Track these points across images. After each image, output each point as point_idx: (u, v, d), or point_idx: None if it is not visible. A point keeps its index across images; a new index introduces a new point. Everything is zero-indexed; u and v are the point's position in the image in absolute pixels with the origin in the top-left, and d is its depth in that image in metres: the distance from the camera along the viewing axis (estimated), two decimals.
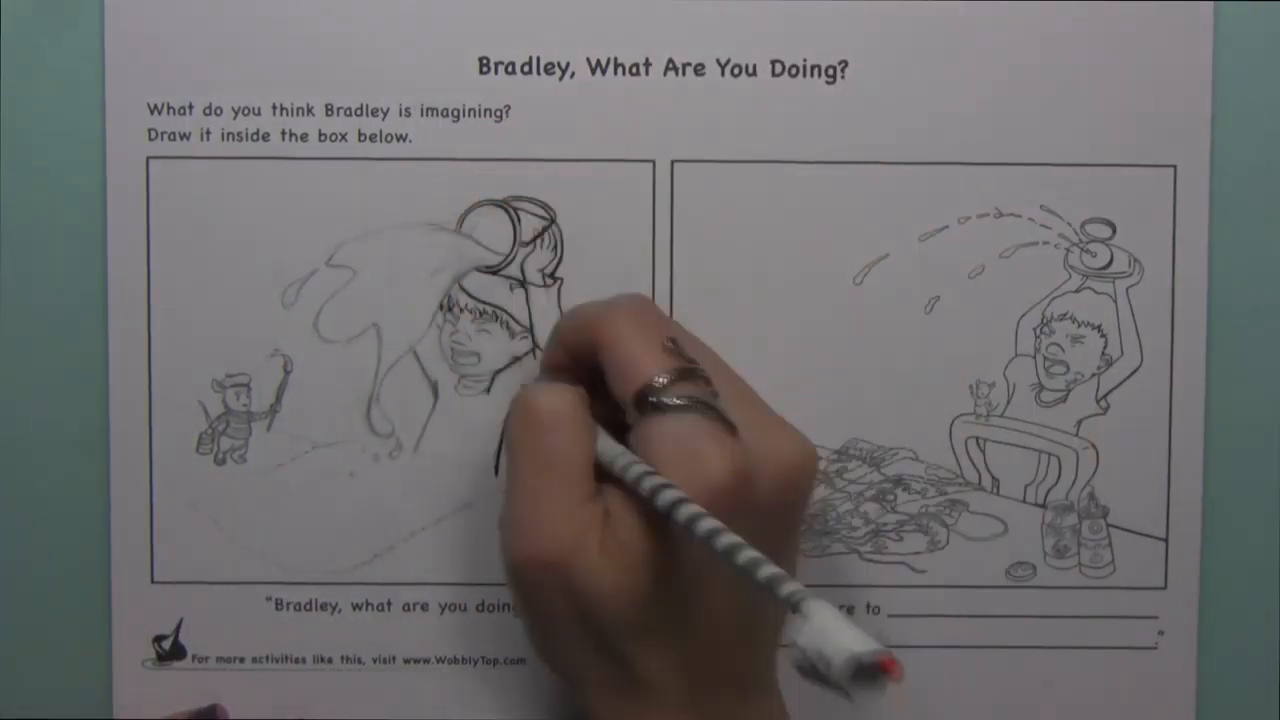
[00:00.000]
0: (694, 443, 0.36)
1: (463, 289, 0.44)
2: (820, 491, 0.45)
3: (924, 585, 0.45)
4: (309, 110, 0.44)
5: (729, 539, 0.33)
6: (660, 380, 0.37)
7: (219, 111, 0.43)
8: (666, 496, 0.35)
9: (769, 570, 0.32)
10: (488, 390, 0.44)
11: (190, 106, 0.43)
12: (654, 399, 0.37)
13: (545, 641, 0.39)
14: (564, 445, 0.38)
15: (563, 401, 0.38)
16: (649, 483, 0.36)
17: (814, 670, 0.30)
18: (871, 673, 0.30)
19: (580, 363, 0.40)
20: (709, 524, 0.34)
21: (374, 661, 0.45)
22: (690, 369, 0.38)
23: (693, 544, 0.34)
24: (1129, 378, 0.45)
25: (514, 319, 0.44)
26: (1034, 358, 0.44)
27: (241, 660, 0.45)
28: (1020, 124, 0.44)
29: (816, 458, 0.39)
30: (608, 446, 0.38)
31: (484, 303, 0.44)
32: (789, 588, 0.31)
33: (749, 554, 0.33)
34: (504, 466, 0.39)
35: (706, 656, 0.38)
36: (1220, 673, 0.45)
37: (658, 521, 0.36)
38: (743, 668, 0.39)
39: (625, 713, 0.38)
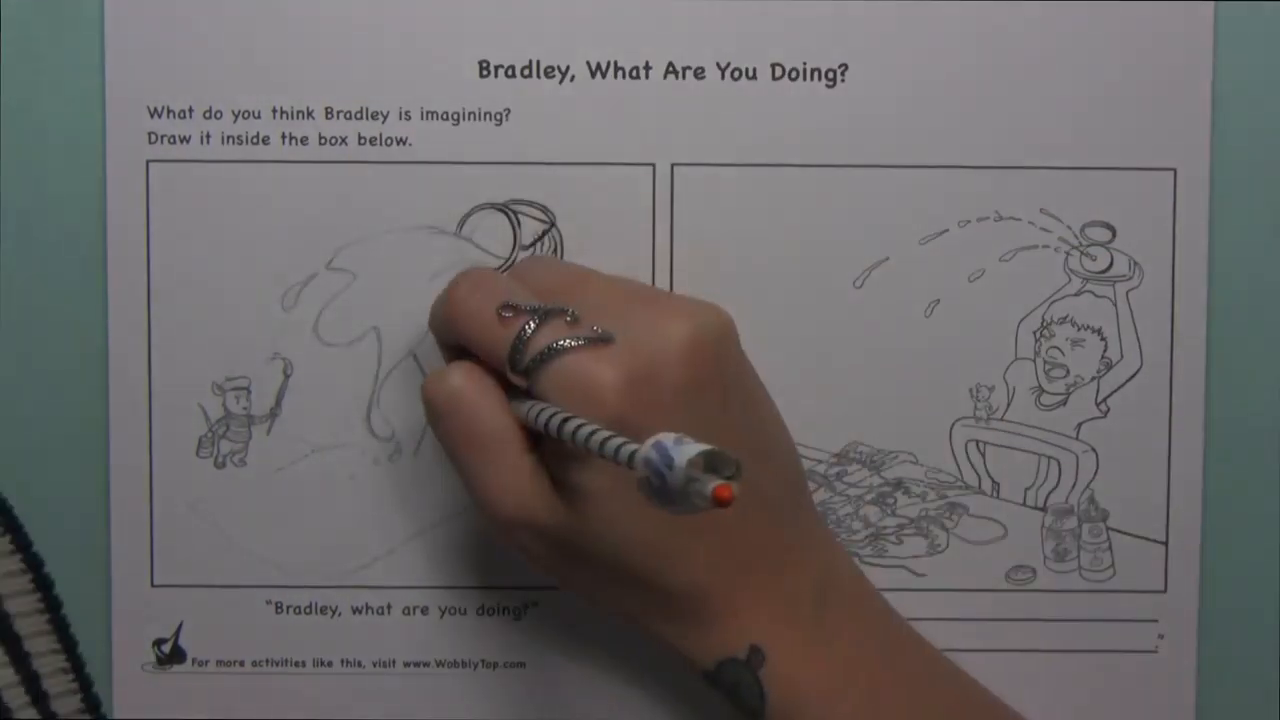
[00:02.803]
0: (575, 380, 0.36)
1: None
2: (820, 495, 0.45)
3: (924, 589, 0.45)
4: (309, 113, 0.44)
5: (596, 434, 0.33)
6: (518, 346, 0.37)
7: (219, 115, 0.43)
8: (566, 425, 0.35)
9: (617, 443, 0.32)
10: None
11: (190, 110, 0.44)
12: (521, 368, 0.37)
13: (579, 590, 0.40)
14: (471, 418, 0.38)
15: (454, 380, 0.38)
16: (546, 416, 0.36)
17: (657, 481, 0.30)
18: (703, 487, 0.30)
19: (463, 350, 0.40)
20: (585, 430, 0.33)
21: (374, 665, 0.45)
22: (537, 312, 0.37)
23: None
24: (1129, 381, 0.45)
25: None
26: (1034, 361, 0.44)
27: (241, 664, 0.45)
28: (1020, 127, 0.44)
29: (719, 321, 0.38)
30: (517, 406, 0.38)
31: None
32: (634, 448, 0.31)
33: (615, 441, 0.32)
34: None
35: (727, 542, 0.38)
36: (1220, 676, 0.45)
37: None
38: (764, 539, 0.39)
39: (682, 627, 0.39)
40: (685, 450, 0.30)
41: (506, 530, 0.38)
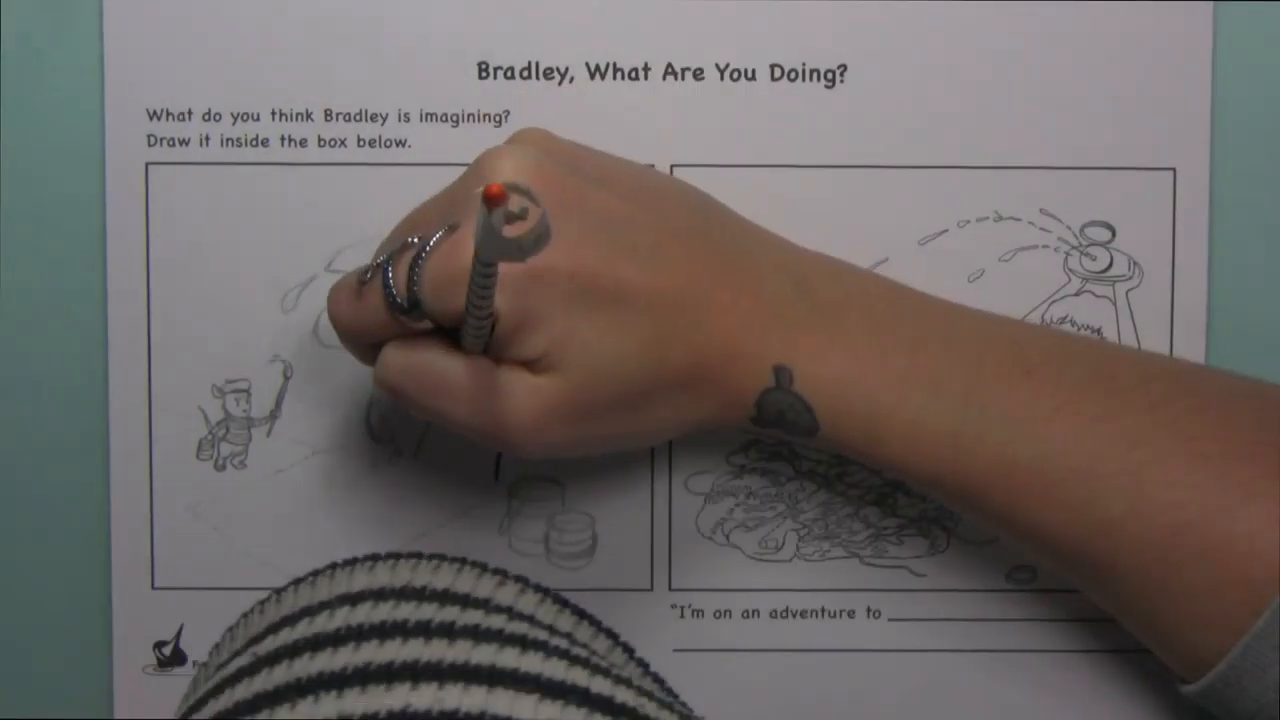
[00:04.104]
0: (443, 269, 0.36)
1: None
2: (820, 495, 0.45)
3: (924, 589, 0.45)
4: (308, 116, 0.44)
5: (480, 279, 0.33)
6: (391, 296, 0.37)
7: (218, 117, 0.43)
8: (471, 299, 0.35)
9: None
10: None
11: (189, 112, 0.43)
12: (407, 307, 0.37)
13: (621, 442, 0.40)
14: (432, 377, 0.37)
15: (390, 355, 0.38)
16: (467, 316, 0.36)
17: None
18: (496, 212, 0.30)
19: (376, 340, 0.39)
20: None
21: None
22: (384, 263, 0.37)
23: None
24: None
25: None
26: None
27: None
28: (1019, 127, 0.44)
29: (527, 140, 0.38)
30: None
31: None
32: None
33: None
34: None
35: (688, 295, 0.38)
36: None
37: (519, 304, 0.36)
38: (707, 273, 0.39)
39: (711, 399, 0.39)
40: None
41: (532, 441, 0.37)
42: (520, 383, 0.37)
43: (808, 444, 0.41)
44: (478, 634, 0.33)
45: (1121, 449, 0.38)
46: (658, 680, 0.41)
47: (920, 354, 0.39)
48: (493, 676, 0.31)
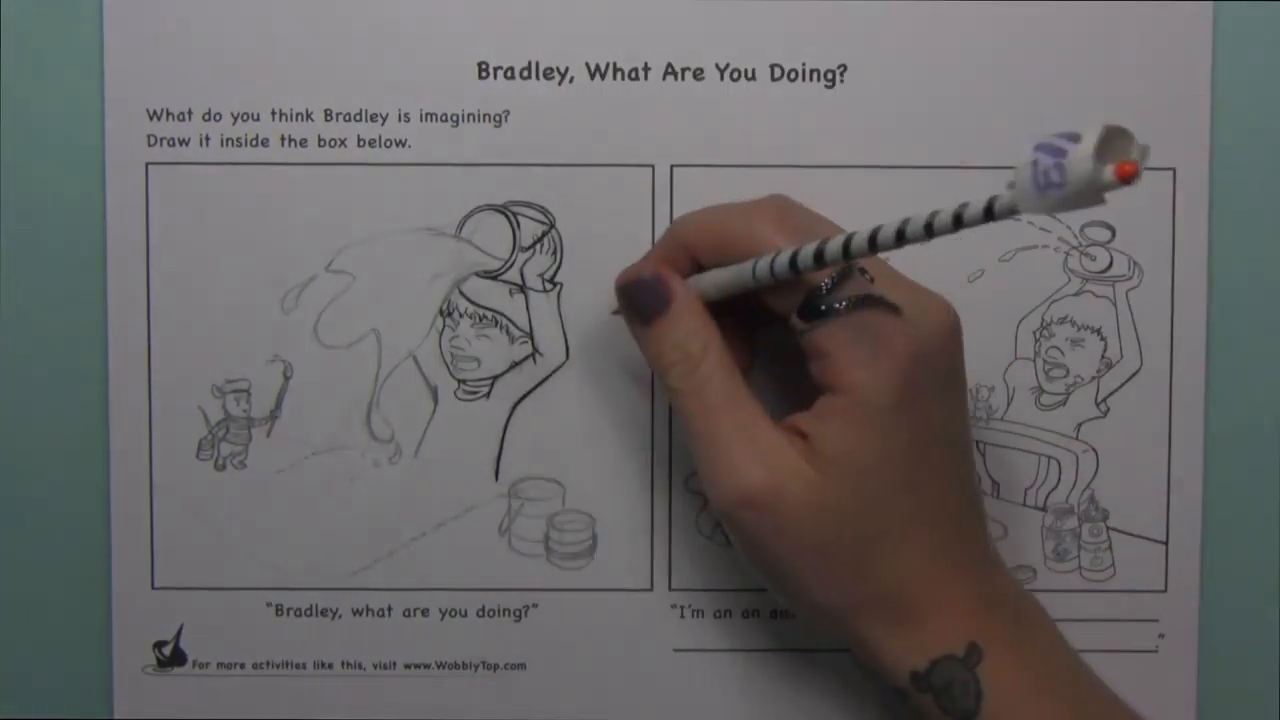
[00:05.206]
0: (873, 334, 0.36)
1: (462, 294, 0.44)
2: None
3: None
4: (308, 116, 0.44)
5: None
6: (825, 285, 0.37)
7: (218, 117, 0.43)
8: (806, 250, 0.35)
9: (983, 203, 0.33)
10: (487, 395, 0.44)
11: (189, 112, 0.43)
12: (823, 305, 0.37)
13: (785, 582, 0.38)
14: (725, 384, 0.37)
15: (711, 356, 0.37)
16: (787, 256, 0.36)
17: (1049, 177, 0.29)
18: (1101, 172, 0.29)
19: (702, 264, 0.39)
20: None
21: (374, 667, 0.45)
22: (848, 268, 0.37)
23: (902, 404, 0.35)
24: (1129, 381, 0.45)
25: (513, 324, 0.44)
26: (1033, 361, 0.44)
27: (242, 666, 0.45)
28: (1019, 127, 0.44)
29: (957, 317, 0.39)
30: (715, 278, 0.37)
31: (484, 308, 0.44)
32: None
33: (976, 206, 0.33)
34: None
35: (945, 535, 0.38)
36: (1220, 676, 0.45)
37: (867, 415, 0.36)
38: (973, 536, 0.39)
39: (893, 625, 0.38)
40: (1087, 136, 0.29)
41: (744, 503, 0.36)
42: (794, 457, 0.36)
43: None
44: None
45: None
46: None
47: (1084, 709, 0.39)
48: None
